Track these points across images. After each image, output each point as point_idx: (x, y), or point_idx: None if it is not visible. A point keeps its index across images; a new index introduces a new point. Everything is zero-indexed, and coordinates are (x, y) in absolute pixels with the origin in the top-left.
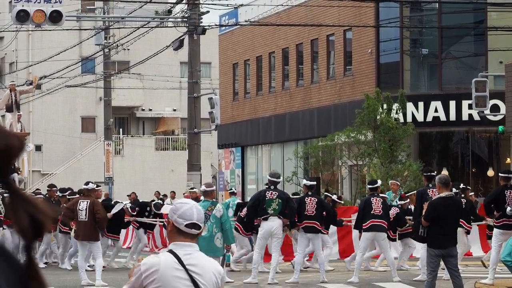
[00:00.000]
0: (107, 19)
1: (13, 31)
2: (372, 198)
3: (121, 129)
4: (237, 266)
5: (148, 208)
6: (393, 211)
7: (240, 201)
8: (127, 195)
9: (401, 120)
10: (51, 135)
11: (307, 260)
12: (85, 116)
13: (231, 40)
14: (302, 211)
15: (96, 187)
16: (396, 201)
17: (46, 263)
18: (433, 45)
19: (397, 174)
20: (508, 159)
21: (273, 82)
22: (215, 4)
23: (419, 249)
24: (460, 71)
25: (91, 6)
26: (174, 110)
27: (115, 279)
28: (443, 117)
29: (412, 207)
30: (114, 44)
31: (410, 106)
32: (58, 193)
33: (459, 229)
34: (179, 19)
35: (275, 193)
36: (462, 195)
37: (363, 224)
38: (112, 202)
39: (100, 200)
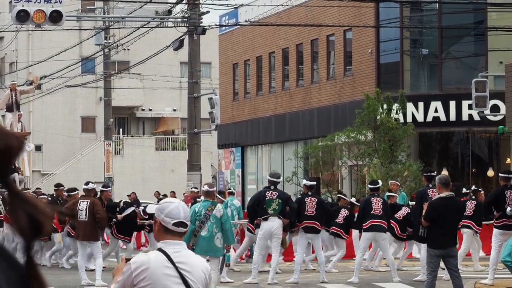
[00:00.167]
0: (107, 19)
1: (13, 31)
2: (372, 198)
3: (121, 129)
4: (237, 266)
5: None
6: (403, 211)
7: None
8: (127, 195)
9: (401, 120)
10: (51, 135)
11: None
12: (85, 116)
13: (231, 40)
14: (302, 211)
15: (105, 188)
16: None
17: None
18: (433, 45)
19: (397, 174)
20: (508, 159)
21: (273, 82)
22: (215, 4)
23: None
24: (460, 71)
25: (91, 6)
26: (174, 110)
27: None
28: (443, 117)
29: None
30: (114, 44)
31: (410, 106)
32: (65, 193)
33: (468, 230)
34: (179, 19)
35: (275, 193)
36: (473, 197)
37: (363, 224)
38: (121, 203)
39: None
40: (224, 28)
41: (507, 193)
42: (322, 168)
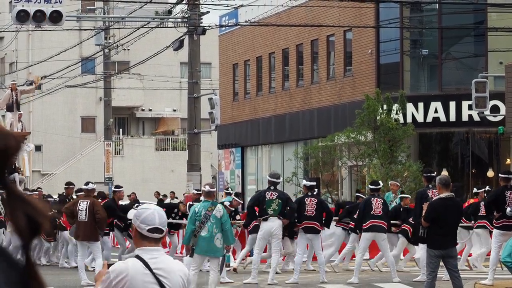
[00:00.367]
0: (107, 19)
1: (13, 31)
2: (372, 199)
3: (121, 129)
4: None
5: (175, 210)
6: None
7: None
8: (127, 196)
9: (401, 120)
10: (51, 135)
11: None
12: (85, 116)
13: (231, 40)
14: (302, 212)
15: (118, 188)
16: (397, 201)
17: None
18: (433, 46)
19: (397, 175)
20: (508, 160)
21: (273, 82)
22: (215, 5)
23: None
24: (460, 71)
25: (91, 6)
26: (174, 110)
27: None
28: (443, 118)
29: None
30: (114, 44)
31: (410, 107)
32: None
33: (482, 230)
34: (179, 20)
35: (275, 194)
36: (486, 197)
37: (363, 225)
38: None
39: (121, 202)
40: (224, 28)
41: (507, 193)
42: (322, 168)
